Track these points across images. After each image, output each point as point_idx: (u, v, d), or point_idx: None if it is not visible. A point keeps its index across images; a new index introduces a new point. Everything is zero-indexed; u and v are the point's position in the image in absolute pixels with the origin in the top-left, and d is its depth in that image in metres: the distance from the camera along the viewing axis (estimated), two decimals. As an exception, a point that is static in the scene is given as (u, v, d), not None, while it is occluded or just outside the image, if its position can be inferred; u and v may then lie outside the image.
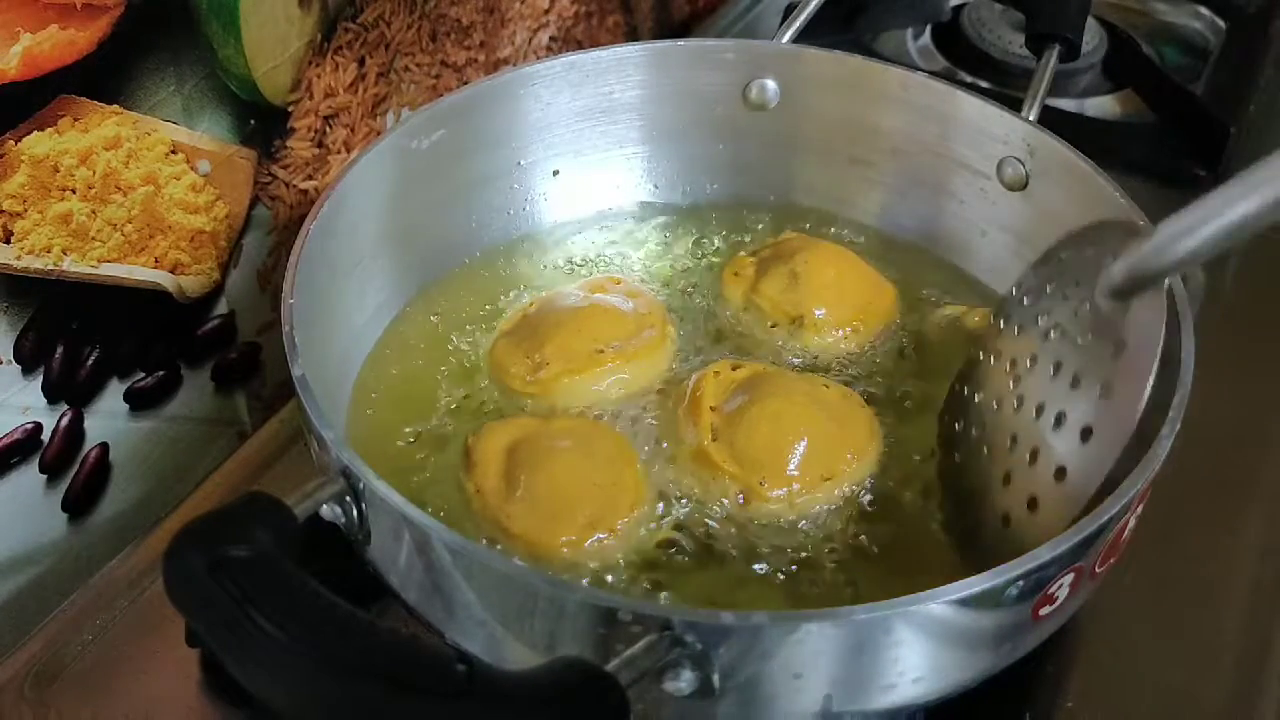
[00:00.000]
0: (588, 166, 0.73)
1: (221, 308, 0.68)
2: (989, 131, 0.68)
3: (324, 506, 0.48)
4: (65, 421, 0.61)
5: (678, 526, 0.56)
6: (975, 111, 0.68)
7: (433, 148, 0.67)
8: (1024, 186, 0.67)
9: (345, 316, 0.63)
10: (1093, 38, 0.96)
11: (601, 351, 0.62)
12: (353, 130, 0.72)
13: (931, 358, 0.65)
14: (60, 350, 0.60)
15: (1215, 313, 0.76)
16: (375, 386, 0.63)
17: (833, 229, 0.73)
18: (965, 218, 0.70)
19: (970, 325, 0.65)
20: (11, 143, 0.55)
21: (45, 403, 0.60)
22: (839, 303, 0.66)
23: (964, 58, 0.97)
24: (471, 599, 0.47)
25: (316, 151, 0.71)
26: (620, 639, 0.43)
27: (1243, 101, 0.91)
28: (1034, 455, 0.53)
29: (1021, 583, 0.46)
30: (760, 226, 0.74)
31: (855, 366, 0.65)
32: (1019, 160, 0.66)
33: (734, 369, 0.62)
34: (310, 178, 0.71)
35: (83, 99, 0.57)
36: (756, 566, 0.55)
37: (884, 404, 0.62)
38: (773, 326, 0.66)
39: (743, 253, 0.70)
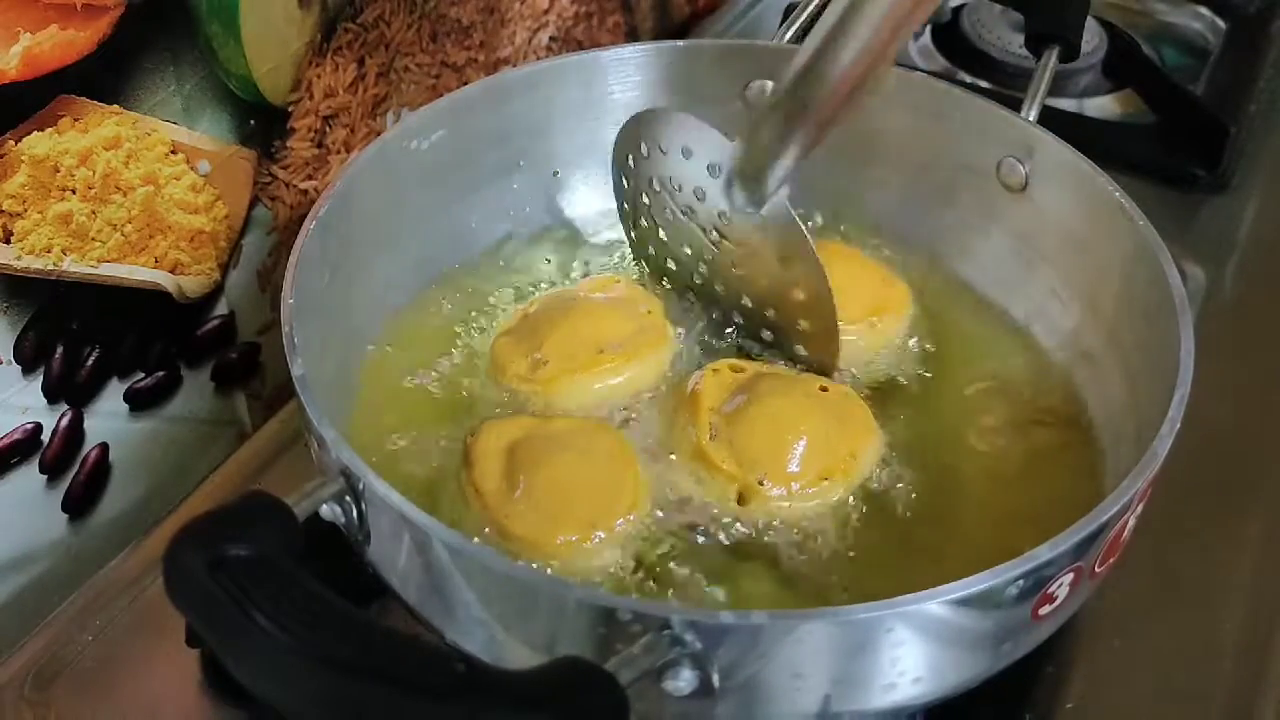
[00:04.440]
0: (588, 166, 0.73)
1: (221, 308, 0.68)
2: (989, 131, 0.67)
3: (324, 506, 0.48)
4: (65, 421, 0.61)
5: (677, 526, 0.56)
6: (975, 111, 0.68)
7: (433, 148, 0.67)
8: (1024, 187, 0.67)
9: (345, 316, 0.63)
10: (1092, 38, 0.95)
11: (601, 351, 0.62)
12: (353, 130, 0.72)
13: (935, 357, 0.65)
14: (60, 350, 0.60)
15: (1215, 313, 0.76)
16: (375, 386, 0.63)
17: (833, 229, 0.73)
18: (965, 218, 0.70)
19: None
20: (11, 143, 0.55)
21: (45, 403, 0.60)
22: (848, 304, 0.65)
23: (964, 58, 0.97)
24: (471, 599, 0.47)
25: (316, 151, 0.71)
26: (620, 638, 0.43)
27: (1243, 101, 0.91)
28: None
29: (1021, 582, 0.45)
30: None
31: (854, 365, 0.65)
32: (1019, 160, 0.66)
33: (733, 369, 0.61)
34: (310, 178, 0.71)
35: (83, 99, 0.57)
36: (756, 565, 0.55)
37: (885, 403, 0.62)
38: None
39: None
